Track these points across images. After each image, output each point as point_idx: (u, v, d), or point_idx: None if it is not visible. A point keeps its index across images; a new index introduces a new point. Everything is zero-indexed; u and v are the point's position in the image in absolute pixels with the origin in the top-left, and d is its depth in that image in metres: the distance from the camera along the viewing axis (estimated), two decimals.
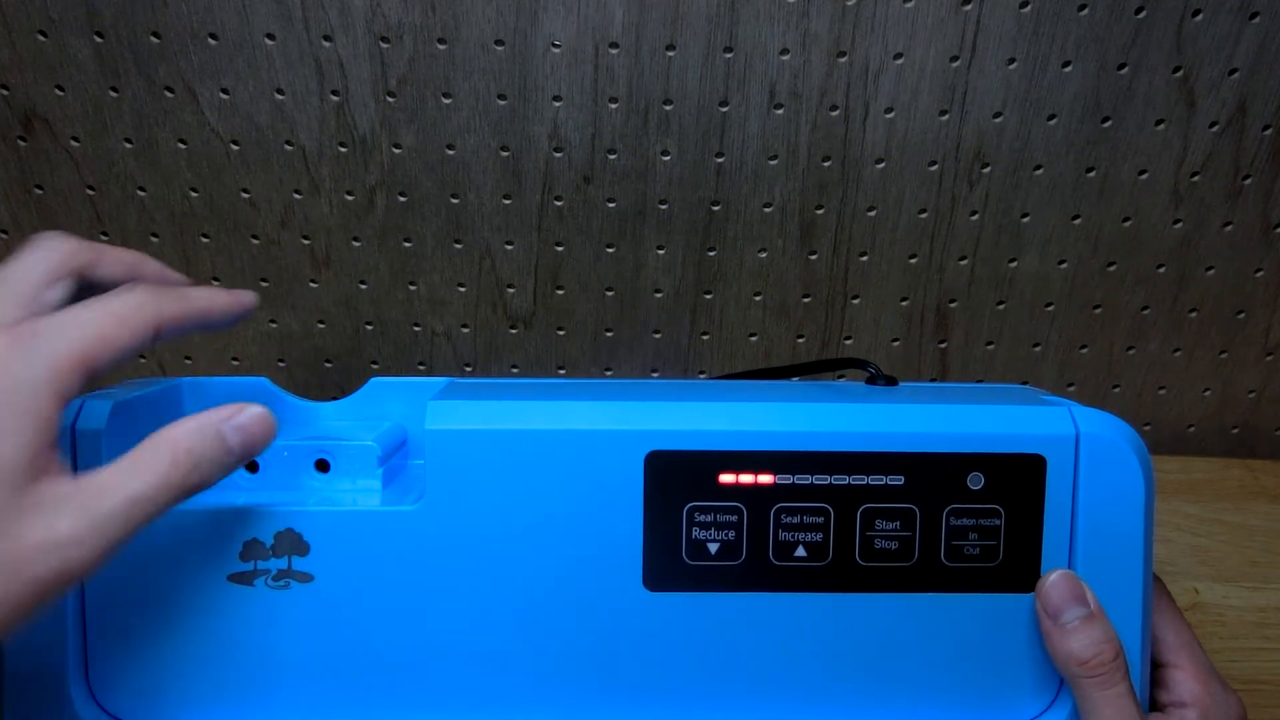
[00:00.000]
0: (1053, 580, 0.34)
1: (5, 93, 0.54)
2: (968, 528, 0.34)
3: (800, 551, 0.34)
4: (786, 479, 0.34)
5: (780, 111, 0.55)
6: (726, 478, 0.34)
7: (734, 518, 0.34)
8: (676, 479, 0.34)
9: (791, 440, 0.34)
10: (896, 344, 0.63)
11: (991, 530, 0.34)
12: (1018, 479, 0.34)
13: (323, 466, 0.36)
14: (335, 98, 0.54)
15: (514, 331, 0.63)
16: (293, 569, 0.33)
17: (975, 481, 0.34)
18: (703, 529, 0.34)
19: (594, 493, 0.33)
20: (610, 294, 0.61)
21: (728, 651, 0.34)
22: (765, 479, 0.34)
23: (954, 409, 0.34)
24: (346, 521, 0.33)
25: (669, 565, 0.34)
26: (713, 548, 0.34)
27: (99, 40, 0.52)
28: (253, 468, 0.35)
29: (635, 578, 0.34)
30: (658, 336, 0.63)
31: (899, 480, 0.34)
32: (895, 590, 0.34)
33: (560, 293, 0.61)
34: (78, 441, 0.33)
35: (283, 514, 0.33)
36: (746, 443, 0.34)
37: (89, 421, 0.33)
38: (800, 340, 0.63)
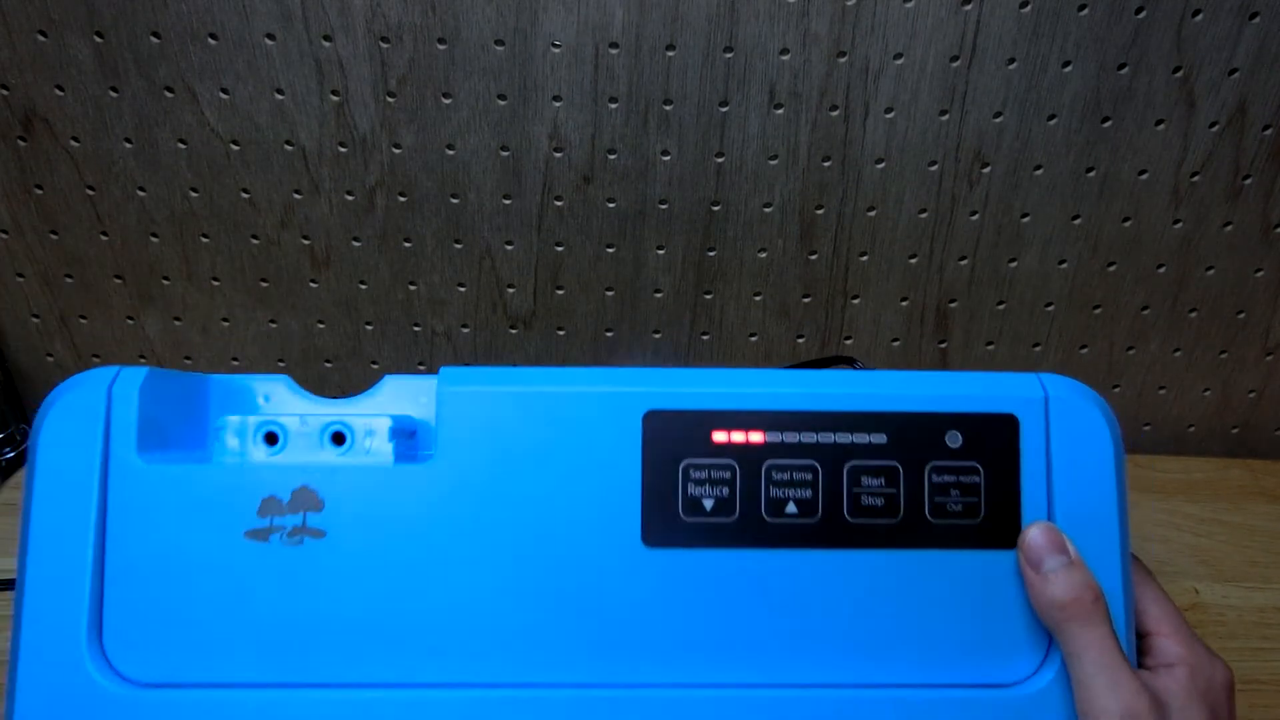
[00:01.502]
0: (1033, 532, 0.35)
1: (5, 93, 0.54)
2: (949, 484, 0.36)
3: (791, 508, 0.35)
4: (776, 437, 0.35)
5: (780, 111, 0.55)
6: (719, 436, 0.35)
7: (727, 474, 0.35)
8: (672, 437, 0.35)
9: (780, 400, 0.36)
10: (896, 344, 0.63)
11: (972, 487, 0.36)
12: (993, 437, 0.36)
13: (339, 439, 0.37)
14: (335, 98, 0.54)
15: (514, 331, 0.63)
16: (307, 525, 0.34)
17: (953, 440, 0.36)
18: (698, 485, 0.35)
19: (595, 451, 0.35)
20: (610, 294, 0.61)
21: (723, 607, 0.35)
22: (756, 437, 0.35)
23: (930, 375, 0.37)
24: (360, 476, 0.35)
25: (666, 521, 0.35)
26: (708, 504, 0.35)
27: (99, 40, 0.52)
28: (272, 440, 0.37)
29: (634, 534, 0.35)
30: (658, 336, 0.63)
31: (881, 438, 0.36)
32: (884, 546, 0.35)
33: (560, 293, 0.61)
34: (112, 402, 0.34)
35: (300, 470, 0.35)
36: (738, 403, 0.35)
37: (124, 385, 0.35)
38: (800, 340, 0.63)
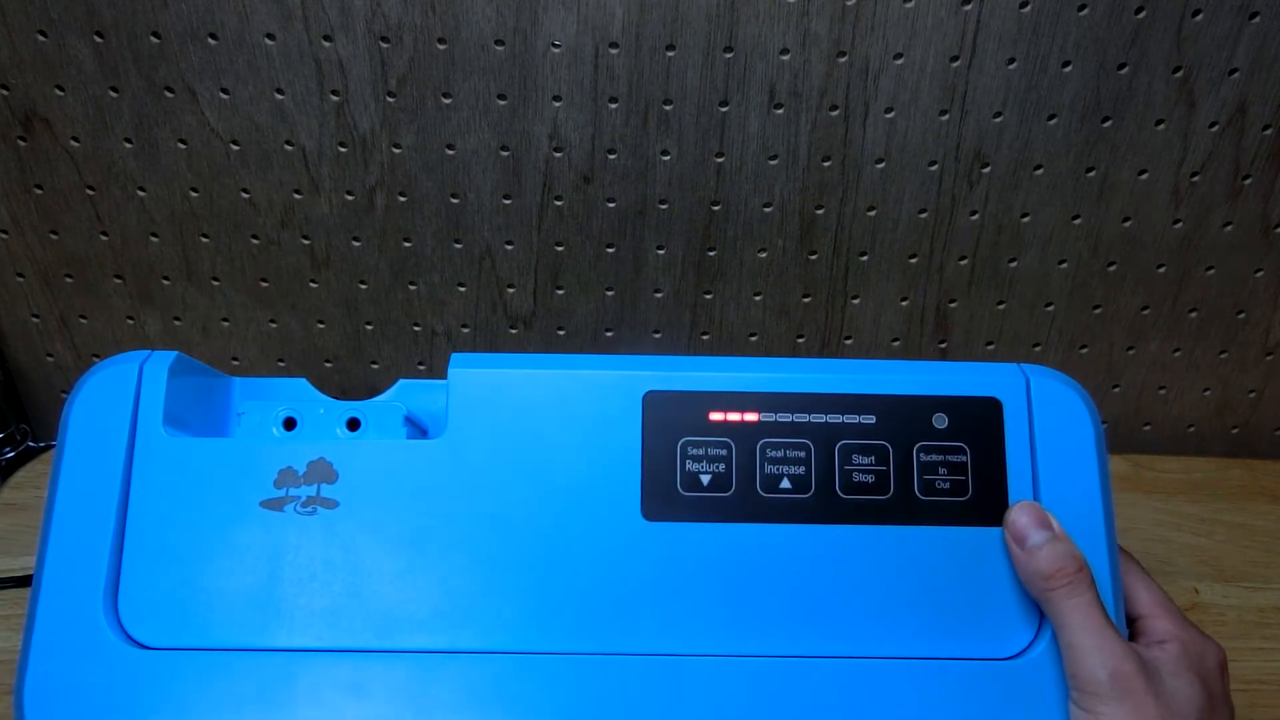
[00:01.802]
0: (1017, 510, 0.36)
1: (5, 93, 0.54)
2: (937, 463, 0.37)
3: (785, 484, 0.37)
4: (770, 416, 0.37)
5: (780, 111, 0.55)
6: (716, 415, 0.37)
7: (724, 451, 0.37)
8: (671, 416, 0.37)
9: (774, 383, 0.37)
10: (896, 344, 0.63)
11: (959, 466, 0.37)
12: (978, 418, 0.37)
13: (353, 425, 0.39)
14: (335, 98, 0.54)
15: (514, 331, 0.63)
16: (321, 495, 0.36)
17: (940, 421, 0.37)
18: (695, 461, 0.37)
19: (598, 429, 0.37)
20: (610, 294, 0.61)
21: (720, 579, 0.36)
22: (751, 417, 0.37)
23: (917, 363, 0.39)
24: (374, 451, 0.37)
25: (665, 496, 0.37)
26: (705, 479, 0.37)
27: (99, 40, 0.52)
28: (290, 424, 0.38)
29: (634, 508, 0.36)
30: (658, 336, 0.63)
31: (871, 419, 0.37)
32: (876, 522, 0.37)
33: (560, 293, 0.61)
34: (143, 378, 0.37)
35: (317, 444, 0.36)
36: (734, 384, 0.37)
37: (155, 364, 0.37)
38: (800, 340, 0.63)
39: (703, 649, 0.36)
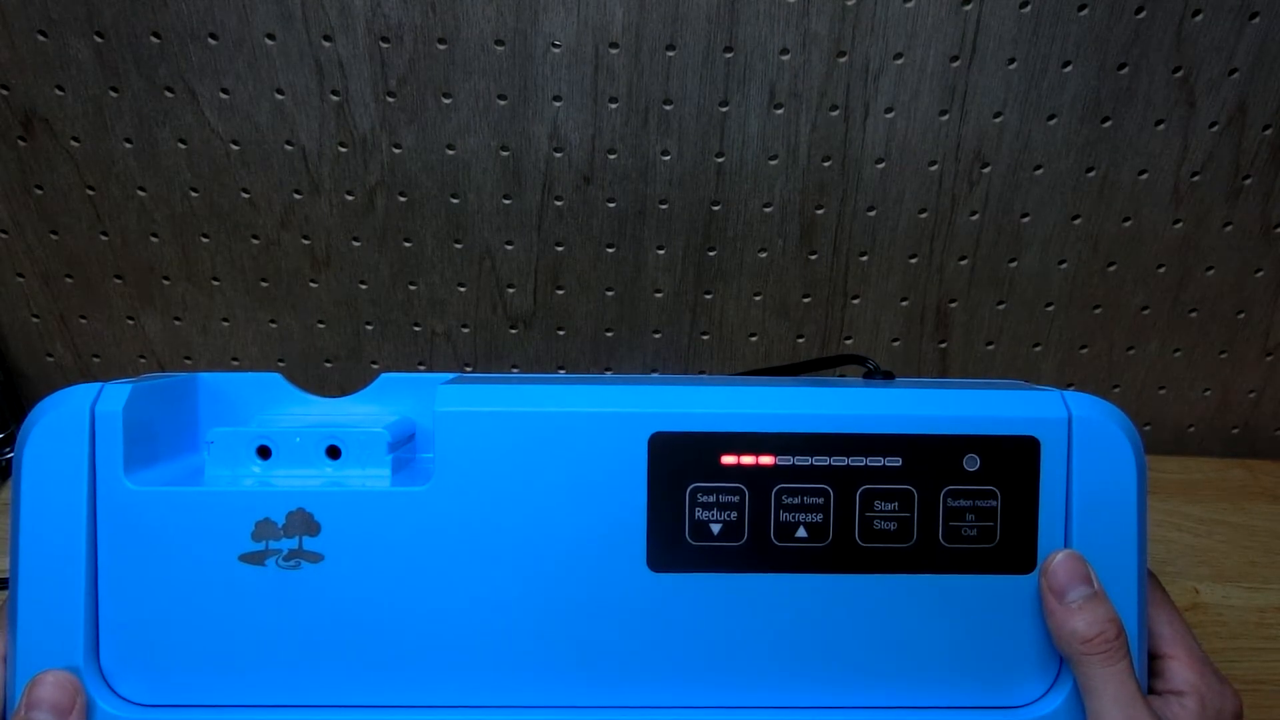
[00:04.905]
0: (1059, 559, 0.34)
1: (5, 93, 0.54)
2: (965, 509, 0.34)
3: (801, 532, 0.34)
4: (787, 460, 0.34)
5: (780, 111, 0.55)
6: (728, 459, 0.34)
7: (736, 498, 0.34)
8: (679, 460, 0.34)
9: (791, 422, 0.34)
10: (896, 344, 0.63)
11: (988, 511, 0.34)
12: (1013, 461, 0.34)
13: (334, 453, 0.36)
14: (335, 98, 0.54)
15: (514, 331, 0.63)
16: (303, 549, 0.34)
17: (971, 463, 0.34)
18: (705, 509, 0.34)
19: (599, 474, 0.34)
20: (610, 294, 0.61)
21: (731, 632, 0.35)
22: (766, 460, 0.34)
23: (949, 394, 0.35)
24: (357, 501, 0.34)
25: (672, 546, 0.34)
26: (715, 528, 0.34)
27: (99, 40, 0.52)
28: (265, 454, 0.36)
29: (639, 558, 0.34)
30: (658, 336, 0.63)
31: (896, 462, 0.34)
32: (895, 571, 0.34)
33: (560, 293, 0.61)
34: (96, 423, 0.33)
35: (294, 494, 0.34)
36: (748, 425, 0.34)
37: (107, 404, 0.34)
38: (800, 340, 0.63)
39: (711, 703, 0.34)
